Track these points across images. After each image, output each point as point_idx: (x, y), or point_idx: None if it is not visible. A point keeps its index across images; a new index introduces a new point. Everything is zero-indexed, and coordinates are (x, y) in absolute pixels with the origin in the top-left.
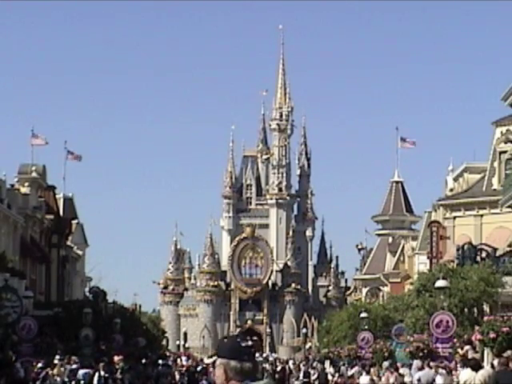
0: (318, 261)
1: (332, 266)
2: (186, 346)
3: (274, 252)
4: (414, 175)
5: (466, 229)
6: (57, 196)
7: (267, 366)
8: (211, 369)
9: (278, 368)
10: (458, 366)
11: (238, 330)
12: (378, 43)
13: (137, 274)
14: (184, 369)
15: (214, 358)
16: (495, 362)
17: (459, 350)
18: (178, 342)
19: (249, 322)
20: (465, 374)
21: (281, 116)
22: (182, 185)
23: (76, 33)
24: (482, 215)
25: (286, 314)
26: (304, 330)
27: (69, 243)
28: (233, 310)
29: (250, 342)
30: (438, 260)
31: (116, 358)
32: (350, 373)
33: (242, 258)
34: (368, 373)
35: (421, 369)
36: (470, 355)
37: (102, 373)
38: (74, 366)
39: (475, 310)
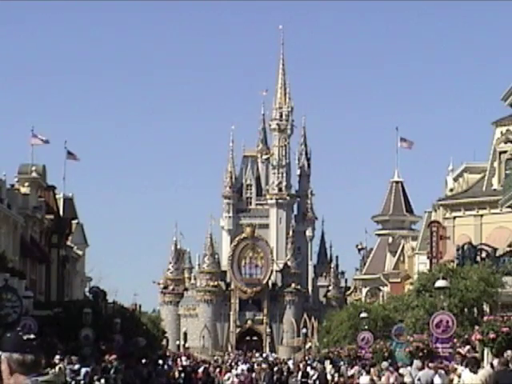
0: (318, 261)
1: (332, 265)
2: (186, 346)
3: (273, 252)
4: (414, 175)
5: (466, 229)
6: (57, 196)
7: (265, 366)
8: (211, 368)
9: (275, 368)
10: (458, 366)
11: (238, 329)
12: (378, 43)
13: (137, 274)
14: (181, 368)
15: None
16: (495, 362)
17: (459, 350)
18: (177, 342)
19: (249, 321)
20: (465, 374)
21: (281, 116)
22: (182, 185)
23: (76, 33)
24: (482, 215)
25: (285, 314)
26: (304, 330)
27: (69, 243)
28: (233, 310)
29: (32, 336)
30: (438, 260)
31: (109, 357)
32: (350, 373)
33: (242, 258)
34: (368, 373)
35: (421, 369)
36: (470, 355)
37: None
38: (77, 367)
39: (475, 309)
